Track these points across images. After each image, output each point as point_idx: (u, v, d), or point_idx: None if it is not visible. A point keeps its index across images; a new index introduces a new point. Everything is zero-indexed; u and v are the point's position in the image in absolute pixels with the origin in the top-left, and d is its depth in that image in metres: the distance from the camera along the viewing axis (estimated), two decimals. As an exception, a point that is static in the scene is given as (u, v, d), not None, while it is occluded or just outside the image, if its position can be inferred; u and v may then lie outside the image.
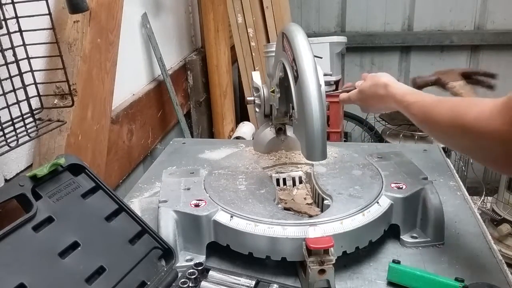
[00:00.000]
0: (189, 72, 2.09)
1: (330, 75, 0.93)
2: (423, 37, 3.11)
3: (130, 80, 1.60)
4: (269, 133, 1.13)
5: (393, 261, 0.82)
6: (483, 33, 3.01)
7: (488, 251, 0.90)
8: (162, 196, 0.95)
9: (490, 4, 2.99)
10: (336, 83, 2.49)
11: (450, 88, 1.03)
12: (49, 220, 0.75)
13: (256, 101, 1.09)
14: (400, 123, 2.55)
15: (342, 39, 2.55)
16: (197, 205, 0.90)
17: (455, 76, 1.05)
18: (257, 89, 1.08)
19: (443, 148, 1.38)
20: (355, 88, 1.06)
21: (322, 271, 0.76)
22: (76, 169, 0.84)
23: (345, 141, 2.53)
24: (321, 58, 0.87)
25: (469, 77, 1.05)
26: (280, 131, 1.13)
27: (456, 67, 3.10)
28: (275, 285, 0.79)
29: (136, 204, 1.11)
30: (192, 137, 2.07)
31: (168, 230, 0.88)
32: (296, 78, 0.83)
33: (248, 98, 1.11)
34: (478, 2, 3.01)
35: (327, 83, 2.37)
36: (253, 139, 1.23)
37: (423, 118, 0.83)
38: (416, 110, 0.85)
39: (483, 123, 0.66)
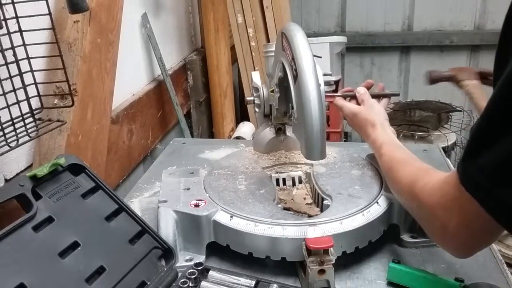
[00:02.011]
0: (189, 72, 2.09)
1: (330, 75, 0.93)
2: (423, 37, 3.11)
3: (130, 80, 1.60)
4: (268, 133, 1.13)
5: (393, 261, 0.81)
6: (483, 33, 3.01)
7: (488, 251, 0.90)
8: (162, 196, 0.95)
9: (490, 4, 2.99)
10: (336, 83, 2.49)
11: (463, 86, 1.02)
12: (49, 220, 0.75)
13: (256, 101, 1.09)
14: (400, 123, 2.55)
15: (342, 39, 2.55)
16: (197, 205, 0.90)
17: (470, 75, 1.03)
18: (256, 89, 1.08)
19: (443, 148, 1.38)
20: (354, 94, 1.06)
21: (321, 271, 0.76)
22: (76, 169, 0.84)
23: (345, 141, 2.53)
24: (320, 57, 0.87)
25: (485, 78, 1.04)
26: (280, 131, 1.13)
27: (456, 67, 3.10)
28: (275, 285, 0.79)
29: (136, 204, 1.11)
30: (192, 137, 2.07)
31: (168, 230, 0.88)
32: (295, 77, 0.83)
33: (248, 98, 1.10)
34: (478, 2, 3.01)
35: (327, 83, 2.37)
36: (253, 139, 1.23)
37: (387, 172, 0.87)
38: (384, 162, 0.88)
39: (425, 194, 0.69)
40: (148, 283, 0.80)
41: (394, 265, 0.81)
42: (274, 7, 2.28)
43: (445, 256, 0.88)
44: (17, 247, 0.69)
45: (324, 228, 0.82)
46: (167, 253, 0.86)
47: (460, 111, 2.54)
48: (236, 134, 2.19)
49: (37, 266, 0.69)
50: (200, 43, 2.30)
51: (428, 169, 0.75)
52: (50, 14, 0.87)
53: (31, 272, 0.67)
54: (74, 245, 0.75)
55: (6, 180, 0.98)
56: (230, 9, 2.24)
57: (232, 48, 2.29)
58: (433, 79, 1.07)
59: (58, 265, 0.71)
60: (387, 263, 0.83)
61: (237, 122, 2.33)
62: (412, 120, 2.57)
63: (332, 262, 0.76)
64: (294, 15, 3.08)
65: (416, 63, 3.20)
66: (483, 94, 1.00)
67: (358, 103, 1.05)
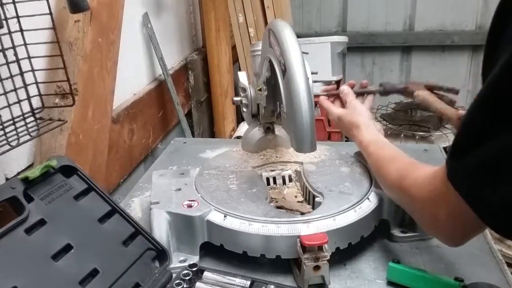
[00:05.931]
0: (190, 72, 2.09)
1: (316, 73, 0.94)
2: (424, 37, 3.09)
3: (131, 79, 1.61)
4: (257, 132, 1.13)
5: (393, 261, 0.81)
6: (485, 32, 2.94)
7: (488, 251, 0.90)
8: (153, 198, 0.94)
9: (492, 4, 2.97)
10: (337, 83, 2.49)
11: (417, 96, 1.06)
12: (41, 222, 0.74)
13: (244, 101, 1.09)
14: (401, 123, 2.55)
15: (343, 39, 2.55)
16: (189, 206, 0.89)
17: (420, 87, 1.08)
18: (244, 89, 1.08)
19: (444, 148, 1.39)
20: (338, 93, 1.08)
21: (317, 267, 0.77)
22: (68, 170, 0.83)
23: (346, 141, 2.53)
24: (307, 53, 0.88)
25: (432, 91, 1.07)
26: (269, 130, 1.13)
27: (457, 67, 3.09)
28: (272, 286, 0.79)
29: (136, 204, 1.11)
30: (193, 136, 2.07)
31: (161, 231, 0.87)
32: (283, 72, 0.84)
33: (235, 98, 1.10)
34: (479, 2, 2.99)
35: (328, 83, 2.37)
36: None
37: (376, 170, 0.89)
38: (373, 161, 0.90)
39: (415, 189, 0.70)
40: (142, 284, 0.79)
41: (394, 264, 0.81)
42: (275, 7, 2.29)
43: (445, 256, 0.88)
44: (10, 250, 0.68)
45: (318, 225, 0.82)
46: (161, 254, 0.85)
47: (461, 111, 2.53)
48: (237, 133, 2.19)
49: (30, 269, 0.68)
50: (201, 43, 2.30)
51: (417, 164, 0.76)
52: (51, 13, 0.88)
53: (24, 276, 0.66)
54: (67, 248, 0.74)
55: (7, 179, 0.99)
56: (231, 9, 2.24)
57: (233, 47, 2.30)
58: (386, 90, 1.10)
59: (51, 268, 0.70)
60: (386, 263, 0.83)
61: (238, 122, 2.33)
62: (413, 120, 2.57)
63: (327, 258, 0.77)
64: (295, 14, 3.08)
65: (418, 63, 3.19)
66: (436, 99, 1.04)
67: (342, 103, 1.07)
